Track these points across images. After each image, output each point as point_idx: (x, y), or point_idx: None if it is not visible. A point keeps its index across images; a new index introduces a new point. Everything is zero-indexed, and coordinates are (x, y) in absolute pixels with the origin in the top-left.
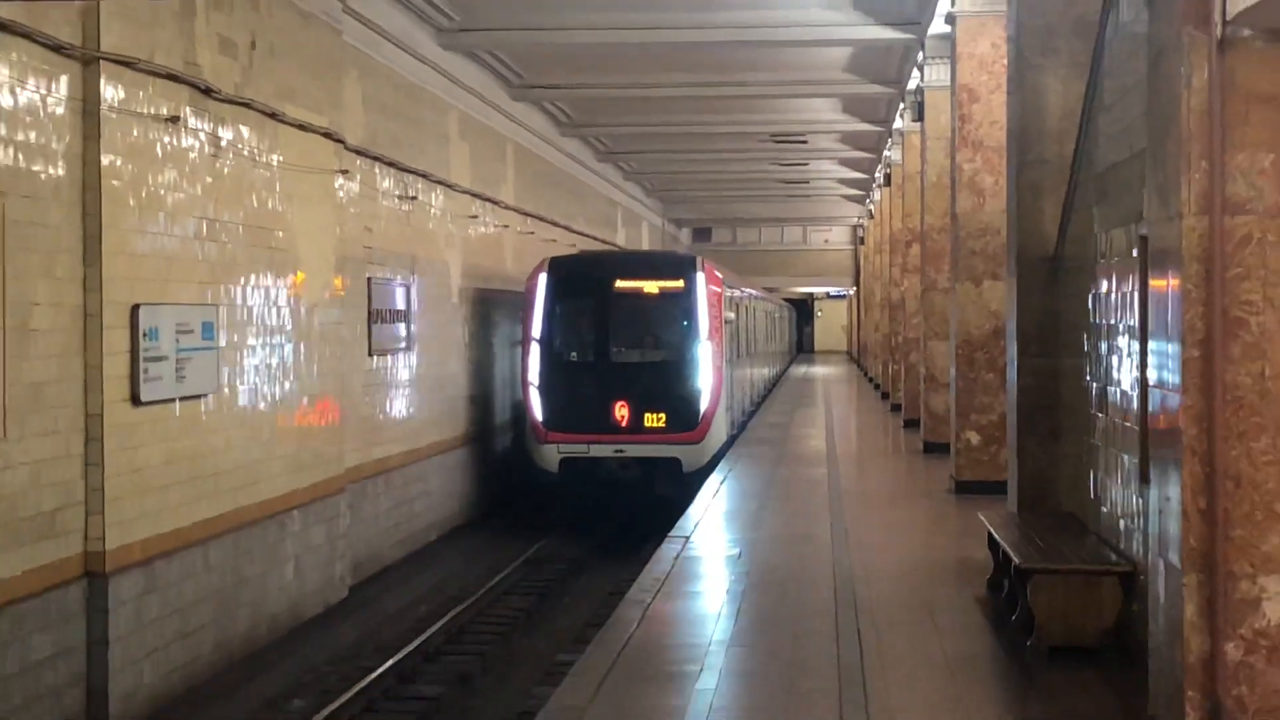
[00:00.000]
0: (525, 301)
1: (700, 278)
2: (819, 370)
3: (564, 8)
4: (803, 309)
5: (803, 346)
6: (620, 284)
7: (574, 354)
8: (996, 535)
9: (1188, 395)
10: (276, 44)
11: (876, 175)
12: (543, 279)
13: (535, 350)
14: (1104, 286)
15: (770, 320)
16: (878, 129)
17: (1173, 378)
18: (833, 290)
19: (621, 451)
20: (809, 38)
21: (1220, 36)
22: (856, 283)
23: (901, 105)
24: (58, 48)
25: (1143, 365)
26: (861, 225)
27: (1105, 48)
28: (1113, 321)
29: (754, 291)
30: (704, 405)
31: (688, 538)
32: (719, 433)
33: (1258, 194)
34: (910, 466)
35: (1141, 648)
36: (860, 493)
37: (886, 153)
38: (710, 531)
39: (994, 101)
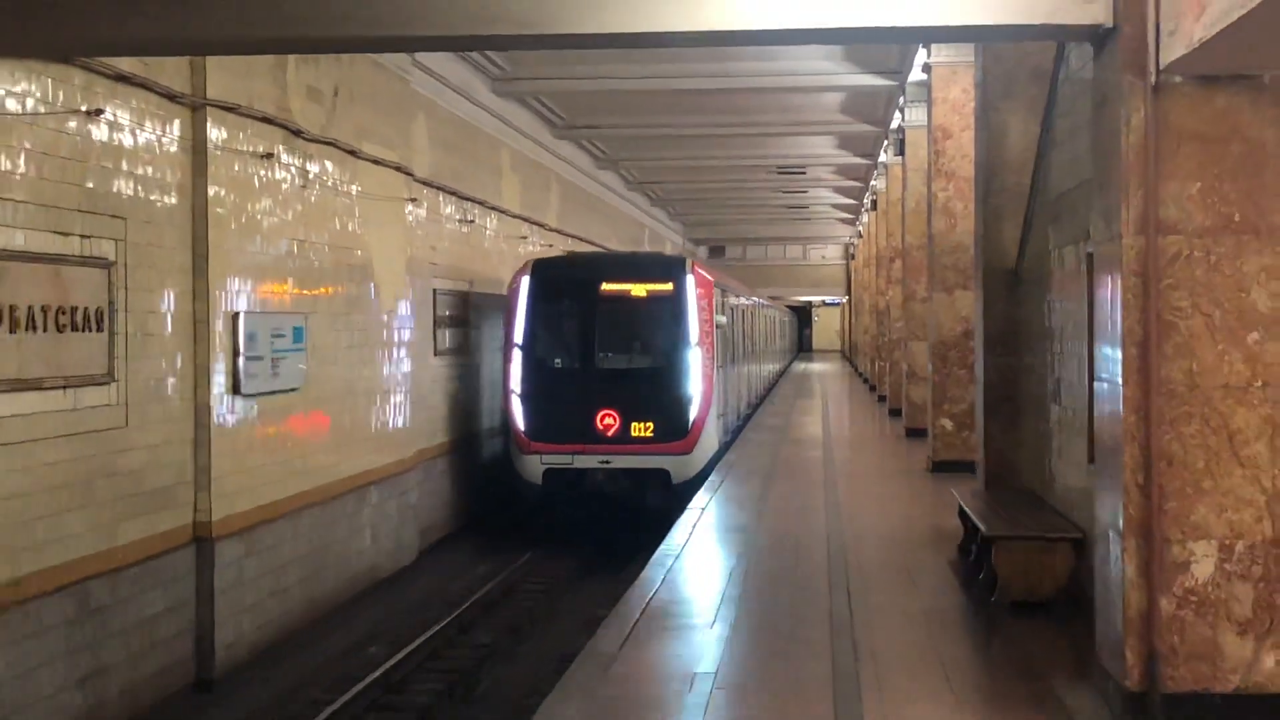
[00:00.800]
0: (507, 305)
1: (689, 280)
2: (816, 366)
3: (601, 60)
4: (803, 314)
5: (803, 346)
6: (606, 287)
7: (558, 360)
8: (966, 507)
9: (1127, 388)
10: (355, 91)
11: (865, 201)
12: (525, 282)
13: (517, 356)
14: (1057, 296)
15: (776, 324)
16: (866, 162)
17: (1115, 373)
18: (828, 299)
19: (607, 463)
20: (808, 85)
21: (1155, 83)
22: (848, 292)
23: (886, 142)
24: (171, 95)
25: (1090, 363)
26: (852, 244)
27: (1057, 93)
28: (1064, 325)
29: (761, 300)
30: (694, 414)
31: (703, 509)
32: (710, 442)
33: (1186, 217)
34: (894, 448)
35: (1089, 603)
36: (850, 470)
37: (873, 182)
38: (724, 502)
39: (964, 139)
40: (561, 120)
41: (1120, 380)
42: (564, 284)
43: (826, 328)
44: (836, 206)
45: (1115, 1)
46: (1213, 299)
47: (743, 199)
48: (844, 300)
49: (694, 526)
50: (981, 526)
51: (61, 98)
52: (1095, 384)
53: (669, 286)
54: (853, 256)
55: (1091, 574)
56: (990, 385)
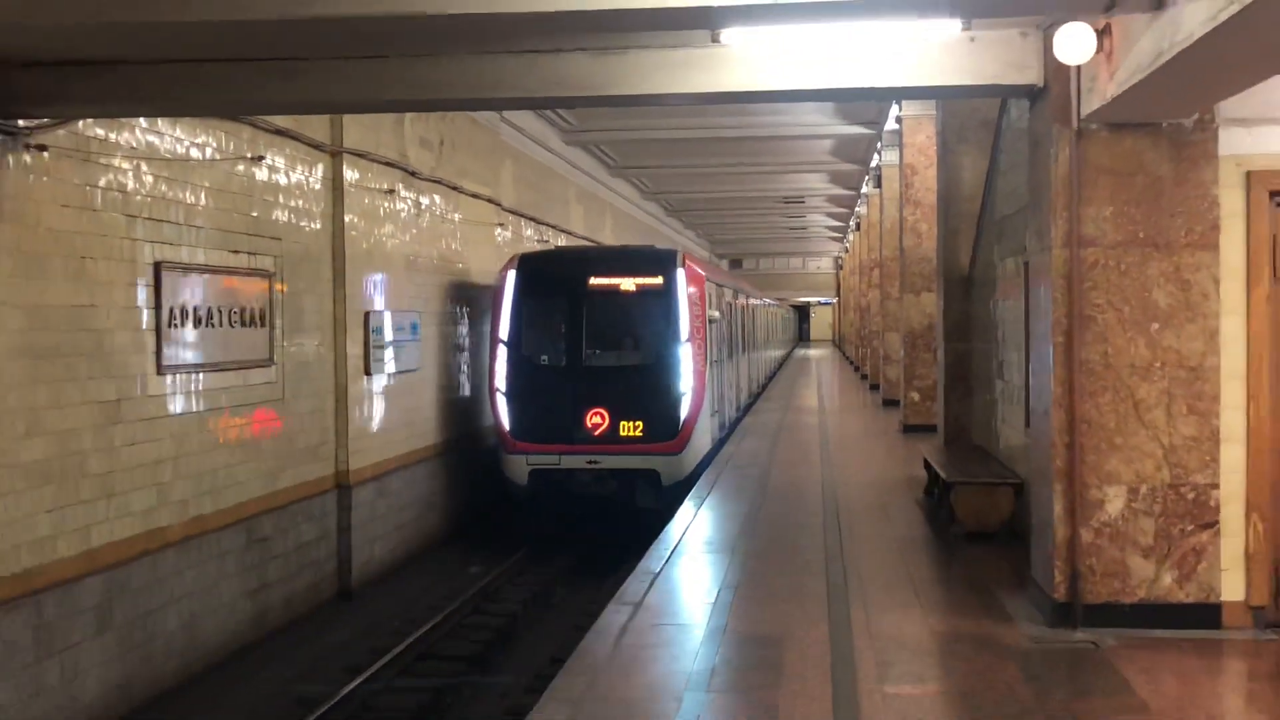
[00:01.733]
0: (493, 301)
1: (680, 275)
2: (813, 352)
3: (646, 115)
4: (803, 311)
5: (803, 336)
6: (594, 281)
7: (544, 357)
8: (930, 460)
9: (1056, 368)
10: (457, 141)
11: (850, 224)
12: (510, 276)
13: (502, 353)
14: (1000, 296)
15: (779, 319)
16: (851, 193)
17: (1046, 355)
18: (822, 299)
19: (595, 463)
20: (806, 133)
21: (1077, 129)
22: (837, 294)
23: (867, 177)
24: (316, 145)
25: (1026, 348)
26: (840, 257)
27: (1001, 138)
28: (1006, 319)
29: (769, 300)
30: (684, 413)
31: (728, 458)
32: (702, 442)
33: (1102, 234)
34: (874, 415)
35: (1026, 533)
36: (840, 431)
37: (857, 209)
38: (744, 454)
39: (928, 174)
40: (615, 162)
41: (1050, 361)
42: (550, 278)
43: (821, 322)
44: (828, 228)
45: (1046, 67)
46: (1122, 298)
47: (756, 222)
48: (834, 300)
49: (719, 474)
50: (943, 474)
51: (232, 147)
52: (1031, 364)
53: (659, 281)
54: (841, 267)
55: (1028, 511)
56: (948, 366)
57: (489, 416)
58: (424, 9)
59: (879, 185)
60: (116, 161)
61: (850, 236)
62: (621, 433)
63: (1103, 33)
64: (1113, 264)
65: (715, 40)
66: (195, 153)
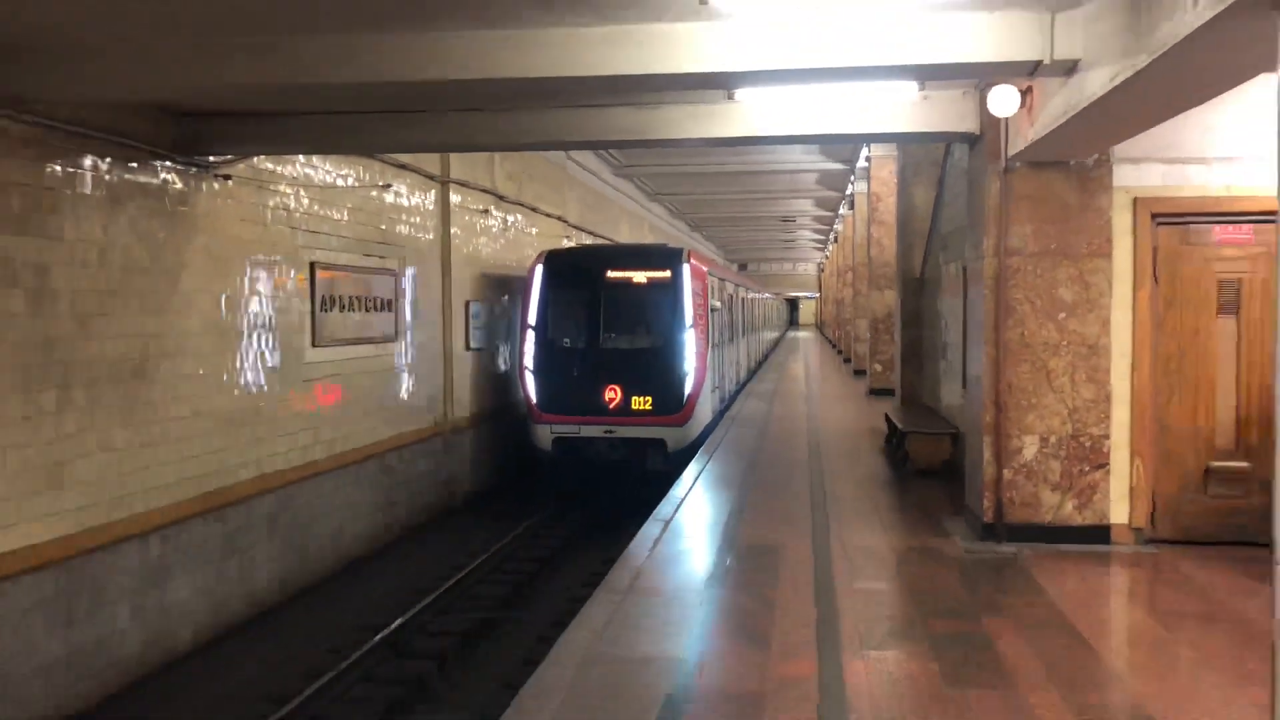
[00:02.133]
0: (523, 290)
1: (685, 269)
2: (801, 334)
3: (675, 154)
4: (793, 303)
5: (793, 322)
6: (610, 274)
7: (567, 340)
8: (890, 415)
9: (986, 346)
10: (533, 173)
11: (830, 237)
12: (539, 270)
13: (531, 336)
14: (944, 293)
15: (774, 308)
16: (831, 214)
17: (979, 337)
18: (807, 294)
19: (611, 432)
20: (797, 168)
21: (1004, 166)
22: (819, 290)
23: (843, 202)
24: (430, 176)
25: (964, 332)
26: (822, 262)
27: (946, 173)
28: (948, 311)
29: (768, 294)
30: (688, 389)
31: (735, 415)
32: (704, 414)
33: (1023, 245)
34: (847, 383)
35: (961, 471)
36: (821, 393)
37: (835, 226)
38: (749, 411)
39: (890, 201)
40: (651, 189)
41: (982, 341)
42: (573, 272)
43: (806, 311)
44: (813, 241)
45: (981, 119)
46: (1037, 293)
47: (757, 235)
48: (817, 295)
49: (730, 426)
50: (899, 426)
51: (368, 177)
52: (967, 344)
53: (666, 274)
54: (823, 270)
55: (963, 454)
56: (904, 345)
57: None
58: (510, 73)
59: (852, 208)
60: (282, 187)
61: (830, 247)
62: (633, 406)
63: (1025, 93)
64: (1031, 268)
65: (730, 98)
66: (340, 181)
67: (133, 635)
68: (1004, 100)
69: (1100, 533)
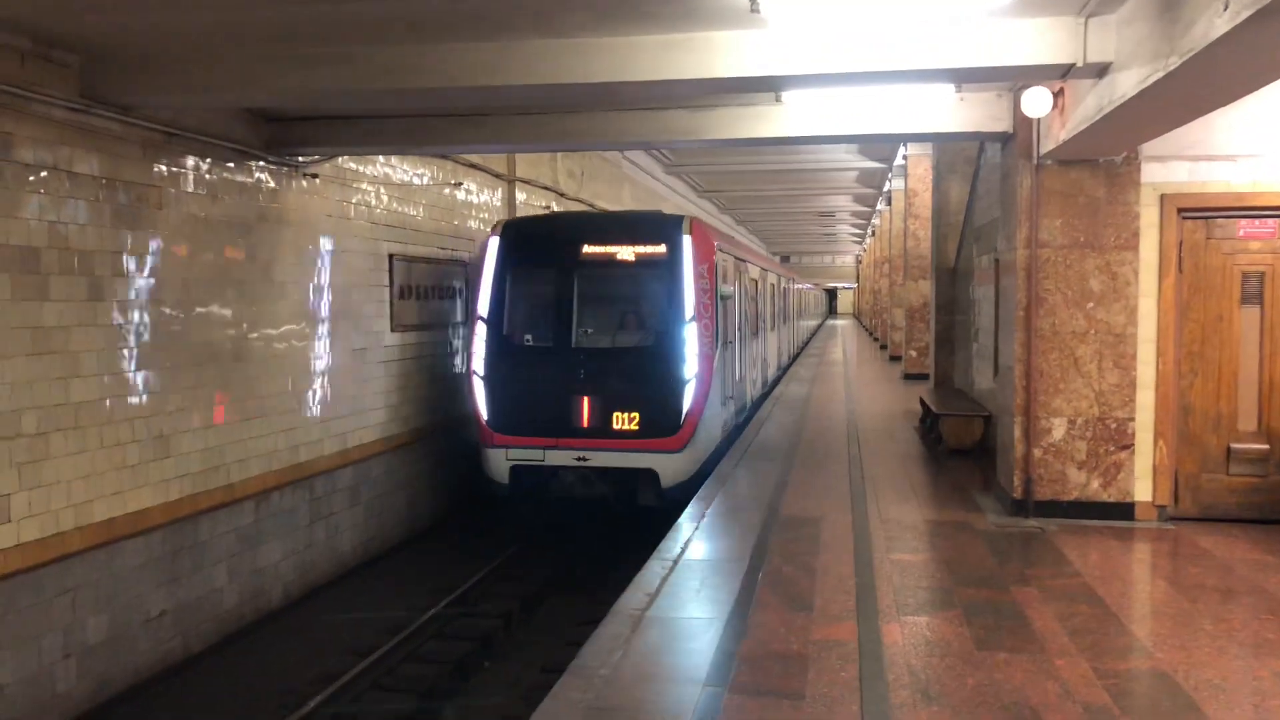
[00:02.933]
0: (472, 272)
1: (687, 243)
2: (839, 323)
3: (724, 153)
4: (831, 293)
5: (831, 311)
6: (588, 250)
7: (528, 337)
8: (925, 398)
9: (1018, 333)
10: (591, 172)
11: (867, 231)
12: (493, 245)
13: (481, 332)
14: (976, 283)
15: (814, 298)
16: (869, 209)
17: (1011, 325)
18: (845, 285)
19: (584, 460)
20: (837, 166)
21: (1036, 164)
22: (857, 280)
23: (880, 198)
24: (497, 175)
25: (995, 320)
26: (860, 254)
27: (980, 170)
28: (980, 300)
29: (812, 284)
30: (688, 403)
31: (778, 398)
32: (709, 435)
33: (1053, 238)
34: (883, 368)
35: (992, 451)
36: (859, 379)
37: (873, 220)
38: (791, 393)
39: (925, 196)
40: (700, 186)
41: (1014, 329)
42: (538, 246)
43: (844, 301)
44: (851, 234)
45: (1014, 119)
46: (1067, 284)
47: (800, 229)
48: (854, 286)
49: (772, 408)
50: (933, 408)
51: (441, 176)
52: (999, 331)
53: (661, 249)
54: (860, 261)
55: (994, 435)
56: (938, 332)
57: None
58: (573, 79)
59: (889, 204)
60: (364, 185)
61: (867, 240)
62: (614, 425)
63: (1057, 94)
64: (1060, 260)
65: (778, 100)
66: (416, 179)
67: (230, 593)
68: (1037, 102)
69: (1124, 509)
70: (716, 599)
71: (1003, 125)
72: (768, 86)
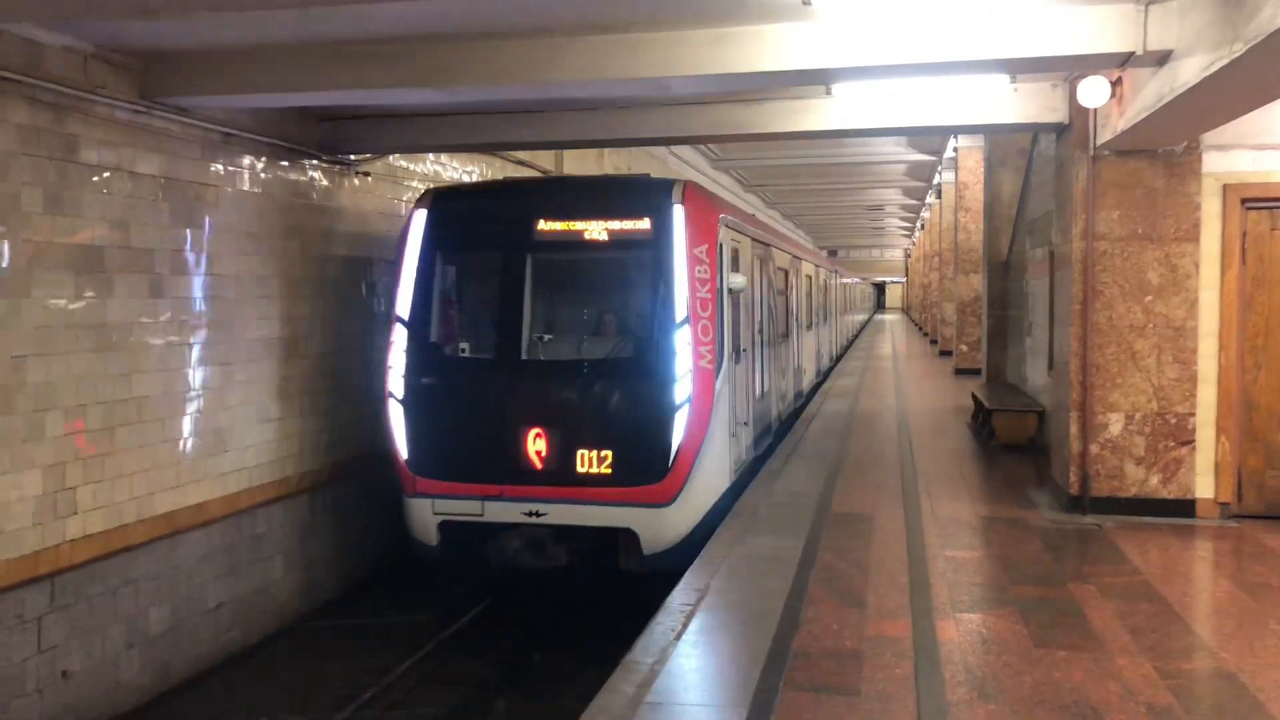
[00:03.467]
0: (394, 258)
1: (678, 214)
2: (888, 317)
3: (771, 147)
4: (880, 287)
5: (880, 306)
6: (544, 227)
7: (463, 347)
8: (976, 394)
9: (1074, 327)
10: (637, 167)
11: (916, 225)
12: (418, 221)
13: (400, 340)
14: (1030, 276)
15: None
16: (918, 202)
17: (1067, 319)
18: (894, 279)
19: (538, 516)
20: (886, 160)
21: (1093, 154)
22: (906, 275)
23: (929, 191)
24: (545, 170)
25: (1050, 314)
26: (909, 249)
27: (1033, 161)
28: (1034, 294)
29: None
30: (679, 437)
31: (827, 391)
32: (710, 481)
33: (1110, 230)
34: (934, 363)
35: (1046, 447)
36: (908, 374)
37: (922, 214)
38: (841, 385)
39: (976, 189)
40: (747, 180)
41: (1070, 323)
42: (477, 223)
43: (892, 295)
44: (899, 228)
45: (1070, 109)
46: (1124, 277)
47: (847, 223)
48: (903, 280)
49: (820, 404)
50: (986, 403)
51: (489, 173)
52: (1054, 326)
53: (644, 225)
54: (909, 255)
55: (1048, 431)
56: (990, 327)
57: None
58: (622, 75)
59: (939, 197)
60: (414, 183)
61: (917, 234)
62: (579, 468)
63: (1115, 83)
64: (1117, 252)
65: (828, 93)
66: (465, 176)
67: (286, 585)
68: (1095, 91)
69: (1184, 506)
70: (769, 594)
71: (1058, 116)
72: (818, 79)
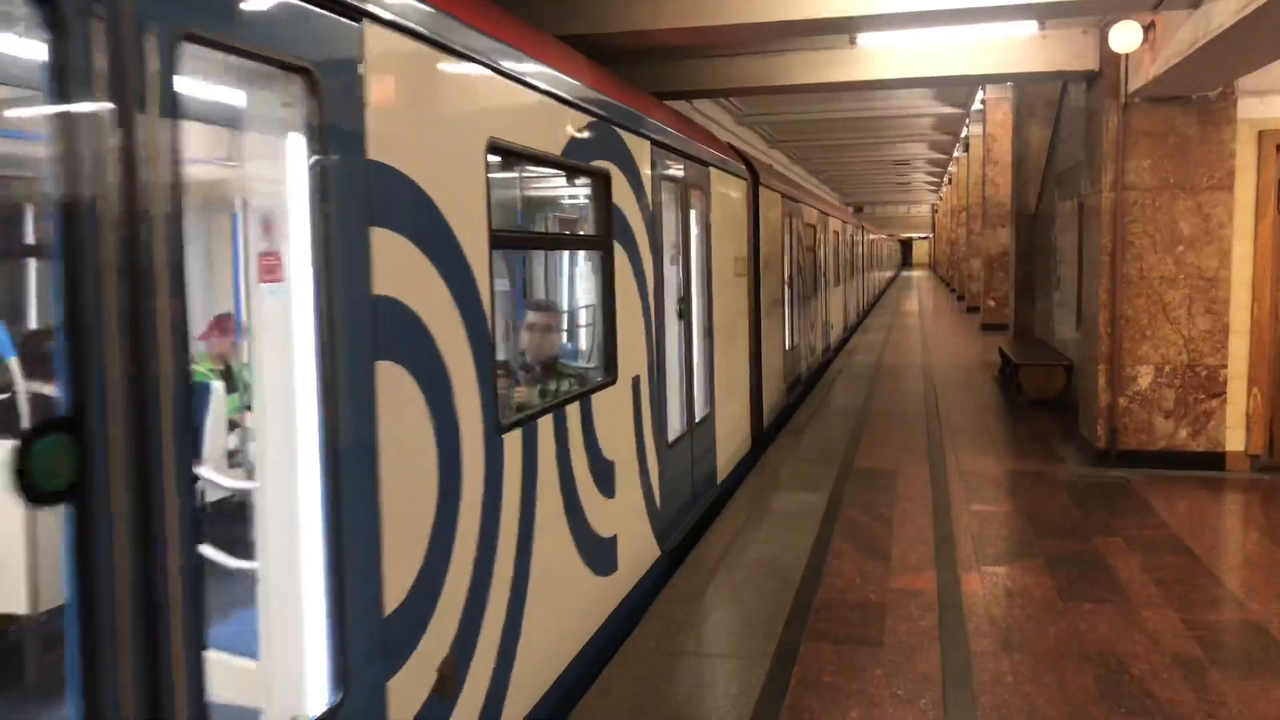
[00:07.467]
0: None
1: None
2: (915, 274)
3: (795, 100)
4: (906, 244)
5: (906, 262)
6: None
7: None
8: (1004, 349)
9: (1103, 279)
10: None
11: (943, 179)
12: None
13: None
14: (1058, 230)
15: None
16: (945, 156)
17: (1096, 271)
18: (920, 235)
19: None
20: (913, 113)
21: (1124, 103)
22: (932, 230)
23: (957, 144)
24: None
25: (1079, 268)
26: (935, 204)
27: (1062, 111)
28: (1062, 247)
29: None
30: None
31: (852, 349)
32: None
33: (1141, 180)
34: (960, 319)
35: (1074, 402)
36: (934, 329)
37: (950, 168)
38: (867, 340)
39: (1004, 141)
40: (773, 137)
41: (1100, 275)
42: None
43: (919, 252)
44: (926, 183)
45: (1101, 56)
46: (1155, 227)
47: (873, 178)
48: (929, 236)
49: (846, 360)
50: (1013, 358)
51: None
52: (1083, 278)
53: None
54: (936, 211)
55: (1076, 385)
56: (1018, 281)
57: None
58: (641, 26)
59: (966, 150)
60: None
61: (943, 189)
62: None
63: (1148, 28)
64: (1148, 202)
65: (852, 43)
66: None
67: None
68: (1126, 36)
69: (1214, 459)
70: (793, 546)
71: (1088, 63)
72: (842, 29)
